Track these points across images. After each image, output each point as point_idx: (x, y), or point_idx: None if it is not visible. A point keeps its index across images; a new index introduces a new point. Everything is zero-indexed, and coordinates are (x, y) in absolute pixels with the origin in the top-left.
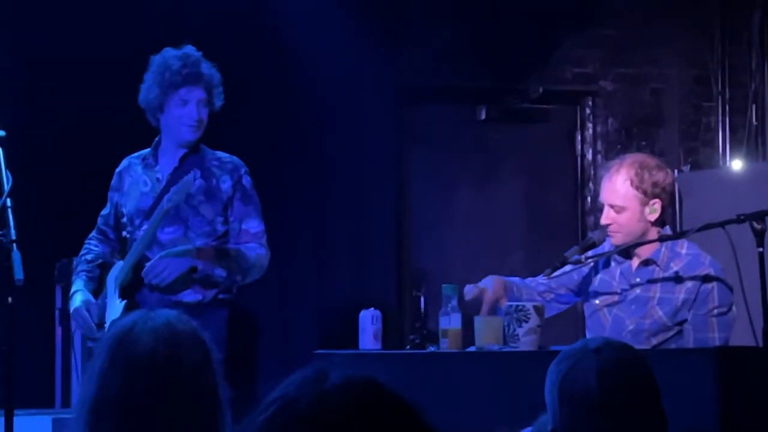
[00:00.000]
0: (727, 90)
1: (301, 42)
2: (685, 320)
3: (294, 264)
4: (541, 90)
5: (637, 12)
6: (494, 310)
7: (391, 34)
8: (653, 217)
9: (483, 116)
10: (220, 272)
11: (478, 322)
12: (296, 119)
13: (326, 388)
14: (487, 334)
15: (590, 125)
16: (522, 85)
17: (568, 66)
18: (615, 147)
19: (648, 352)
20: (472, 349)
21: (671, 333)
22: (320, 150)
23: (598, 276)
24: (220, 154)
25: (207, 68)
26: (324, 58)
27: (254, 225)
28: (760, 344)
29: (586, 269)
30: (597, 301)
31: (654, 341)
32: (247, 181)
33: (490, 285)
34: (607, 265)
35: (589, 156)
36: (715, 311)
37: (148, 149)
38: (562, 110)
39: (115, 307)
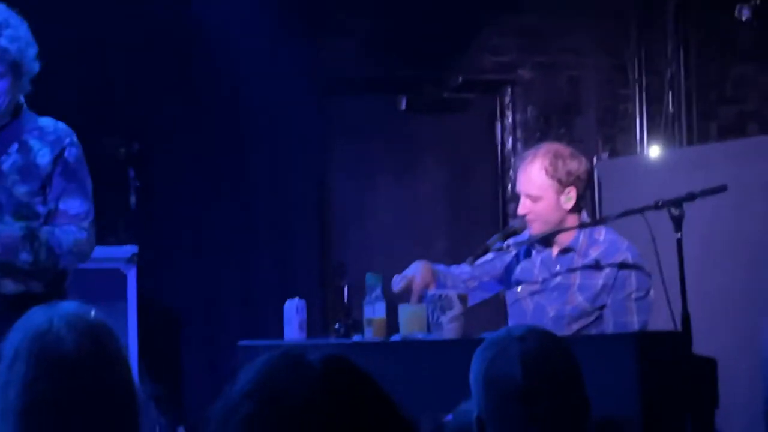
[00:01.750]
0: (643, 77)
1: (224, 32)
2: (605, 305)
3: (217, 255)
4: (460, 79)
5: (554, 0)
6: (422, 297)
7: (310, 25)
8: (569, 205)
9: (404, 106)
10: (25, 257)
11: (403, 310)
12: (217, 111)
13: (312, 376)
14: (411, 323)
15: (509, 114)
16: (442, 75)
17: (486, 55)
18: (534, 135)
19: (570, 338)
20: (396, 337)
21: (592, 318)
22: (242, 141)
23: (520, 264)
24: (44, 121)
25: (5, 40)
26: (246, 50)
27: (75, 205)
28: (679, 328)
29: (508, 257)
30: (519, 289)
31: (575, 326)
32: (71, 153)
33: (418, 272)
34: (528, 253)
35: (509, 144)
36: (634, 295)
37: None
38: (482, 99)
39: None
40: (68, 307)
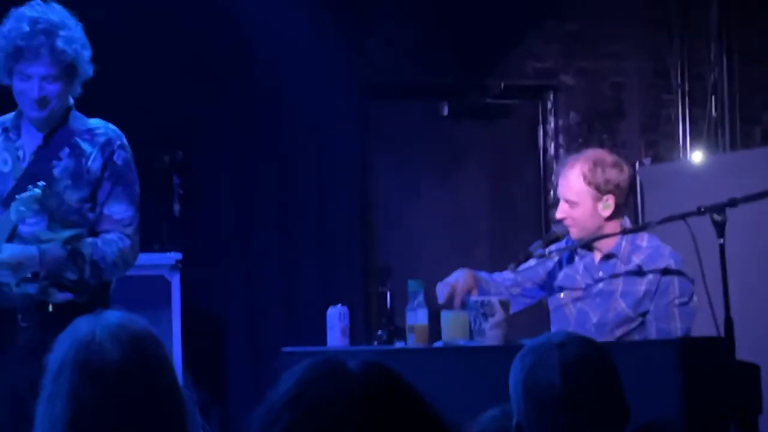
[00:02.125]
0: (686, 82)
1: (267, 39)
2: (648, 311)
3: (260, 261)
4: (502, 85)
5: (596, 6)
6: (465, 303)
7: (355, 32)
8: (607, 212)
9: (446, 112)
10: (70, 275)
11: (445, 316)
12: (262, 116)
13: (353, 386)
14: (453, 329)
15: (552, 119)
16: (484, 81)
17: (529, 61)
18: (576, 141)
19: (611, 345)
20: (439, 344)
21: (634, 324)
22: (286, 147)
23: (563, 270)
24: (93, 123)
25: (62, 41)
26: (289, 56)
27: (119, 210)
28: (722, 334)
29: (550, 264)
30: (561, 296)
31: (618, 333)
32: (120, 156)
33: (461, 278)
34: (570, 259)
35: (552, 150)
36: (677, 301)
37: (11, 115)
38: (524, 105)
39: None
40: (112, 316)
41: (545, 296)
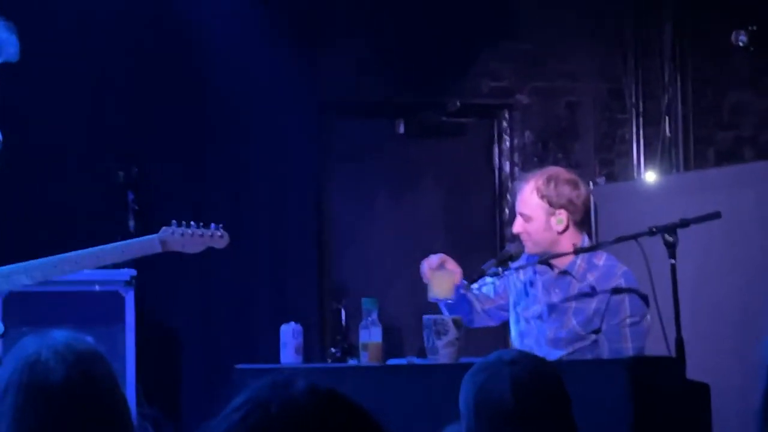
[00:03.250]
0: (640, 102)
1: (222, 56)
2: (599, 329)
3: (215, 277)
4: (458, 104)
5: (552, 26)
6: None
7: (310, 49)
8: (559, 227)
9: (402, 130)
10: None
11: (433, 273)
12: (216, 132)
13: (294, 393)
14: (440, 286)
15: (507, 138)
16: (440, 99)
17: (484, 80)
18: (531, 160)
19: (563, 364)
20: (392, 361)
21: (586, 342)
22: (240, 164)
23: (523, 287)
24: None
25: None
26: (244, 73)
27: None
28: (673, 353)
29: (516, 280)
30: (520, 311)
31: (570, 349)
32: None
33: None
34: (532, 283)
35: (507, 168)
36: (628, 321)
37: None
38: (479, 123)
39: None
40: (58, 335)
41: (507, 318)
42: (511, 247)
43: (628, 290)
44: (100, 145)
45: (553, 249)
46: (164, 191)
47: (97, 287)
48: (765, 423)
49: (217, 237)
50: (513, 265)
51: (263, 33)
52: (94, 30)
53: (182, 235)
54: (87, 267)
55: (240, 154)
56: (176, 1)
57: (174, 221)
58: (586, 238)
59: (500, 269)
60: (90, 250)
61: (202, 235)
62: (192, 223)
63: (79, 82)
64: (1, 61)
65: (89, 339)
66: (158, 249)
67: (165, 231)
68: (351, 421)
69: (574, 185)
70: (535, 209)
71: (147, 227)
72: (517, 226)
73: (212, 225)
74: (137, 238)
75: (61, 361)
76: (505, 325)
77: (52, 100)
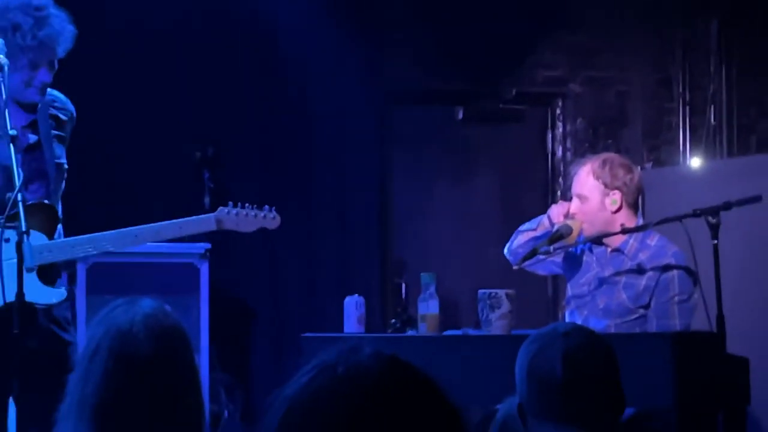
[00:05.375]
0: (687, 92)
1: (295, 47)
2: (648, 305)
3: (284, 252)
4: (514, 92)
5: (603, 19)
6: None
7: (375, 41)
8: (613, 207)
9: (460, 116)
10: None
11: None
12: (285, 118)
13: (360, 357)
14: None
15: (560, 125)
16: (496, 88)
17: (539, 69)
18: (583, 145)
19: (612, 336)
20: (448, 333)
21: (634, 315)
22: (308, 146)
23: (583, 260)
24: (53, 93)
25: (59, 22)
26: (315, 64)
27: None
28: (714, 329)
29: (574, 252)
30: (581, 281)
31: (619, 321)
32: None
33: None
34: (587, 251)
35: (559, 154)
36: (676, 299)
37: None
38: (534, 111)
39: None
40: (147, 307)
41: (562, 273)
42: (561, 228)
43: (678, 269)
44: (179, 127)
45: (607, 228)
46: (238, 171)
47: (175, 259)
48: None
49: (269, 218)
50: (559, 244)
51: (331, 26)
52: (176, 13)
53: (237, 215)
54: (146, 241)
55: (309, 138)
56: None
57: (230, 203)
58: (641, 219)
59: (551, 248)
60: (150, 225)
61: (255, 216)
62: (247, 204)
63: (161, 64)
64: (62, 53)
65: (174, 313)
66: (213, 227)
67: (221, 211)
68: (412, 382)
69: (628, 169)
70: (592, 190)
71: (221, 204)
72: (574, 207)
73: (265, 207)
74: (195, 216)
75: (150, 336)
76: (557, 299)
77: (133, 83)
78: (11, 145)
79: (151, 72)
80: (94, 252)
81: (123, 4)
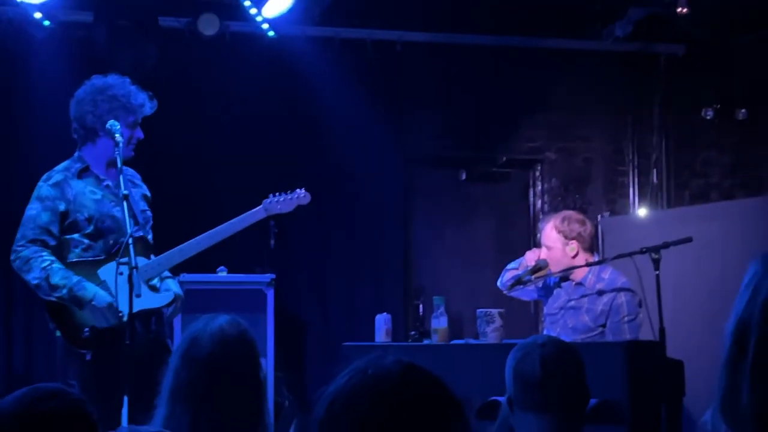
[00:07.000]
0: (636, 159)
1: (337, 125)
2: (605, 324)
3: (330, 280)
4: (504, 158)
5: (572, 104)
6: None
7: (397, 116)
8: (572, 253)
9: (464, 177)
10: None
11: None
12: (328, 178)
13: (385, 362)
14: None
15: (539, 183)
16: (491, 155)
17: (523, 141)
18: (556, 199)
19: (580, 346)
20: (454, 342)
21: (595, 332)
22: (347, 201)
23: (555, 289)
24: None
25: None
26: (352, 137)
27: None
28: (657, 339)
29: (548, 283)
30: (555, 305)
31: (584, 336)
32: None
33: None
34: (558, 283)
35: (539, 206)
36: (626, 318)
37: (67, 163)
38: (519, 173)
39: (149, 297)
40: (221, 320)
41: (540, 299)
42: (540, 262)
43: (626, 295)
44: (250, 182)
45: (569, 267)
46: (296, 220)
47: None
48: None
49: (302, 197)
50: (539, 275)
51: (360, 104)
52: (253, 101)
53: (278, 201)
54: (219, 238)
55: (347, 193)
56: (300, 76)
57: (271, 194)
58: (597, 257)
59: (532, 277)
60: (216, 228)
61: (291, 198)
62: (282, 193)
63: (239, 138)
64: (144, 115)
65: (243, 325)
66: (263, 215)
67: (266, 202)
68: (425, 381)
69: (582, 223)
70: (555, 241)
71: (283, 244)
72: (543, 253)
73: (297, 189)
74: (248, 211)
75: (210, 340)
76: (537, 316)
77: (219, 147)
78: (124, 203)
79: (232, 140)
80: (181, 260)
81: (217, 86)
